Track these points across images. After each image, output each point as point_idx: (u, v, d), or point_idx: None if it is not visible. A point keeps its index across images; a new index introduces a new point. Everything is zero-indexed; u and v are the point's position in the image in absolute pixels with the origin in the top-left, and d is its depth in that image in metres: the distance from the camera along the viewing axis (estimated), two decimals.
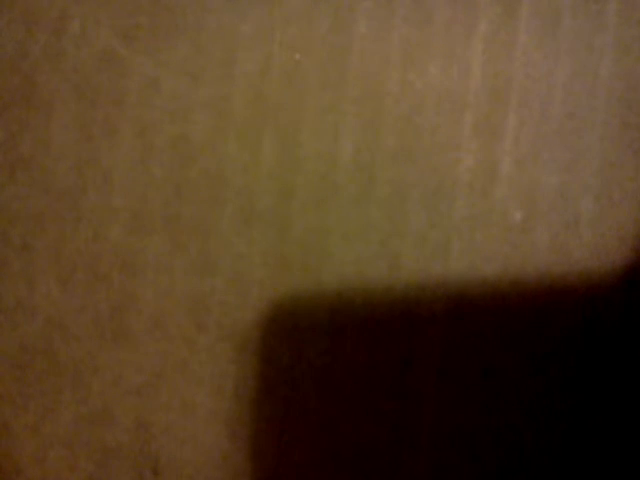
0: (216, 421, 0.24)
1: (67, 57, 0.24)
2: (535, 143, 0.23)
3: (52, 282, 0.24)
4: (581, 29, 0.22)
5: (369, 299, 0.23)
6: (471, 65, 0.23)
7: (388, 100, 0.23)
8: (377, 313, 0.23)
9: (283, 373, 0.23)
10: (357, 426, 0.23)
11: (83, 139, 0.24)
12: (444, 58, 0.23)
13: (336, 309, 0.23)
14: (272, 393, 0.23)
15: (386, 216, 0.24)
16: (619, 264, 0.22)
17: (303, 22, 0.25)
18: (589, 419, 0.22)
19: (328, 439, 0.23)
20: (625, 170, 0.23)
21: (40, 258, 0.24)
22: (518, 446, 0.23)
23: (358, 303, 0.23)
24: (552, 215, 0.23)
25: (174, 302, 0.24)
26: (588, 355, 0.23)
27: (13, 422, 0.24)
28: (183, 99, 0.24)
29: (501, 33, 0.23)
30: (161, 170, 0.24)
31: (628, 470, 0.22)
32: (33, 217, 0.24)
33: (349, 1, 0.23)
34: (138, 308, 0.24)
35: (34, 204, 0.24)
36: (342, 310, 0.23)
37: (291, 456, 0.23)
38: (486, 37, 0.23)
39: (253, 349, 0.23)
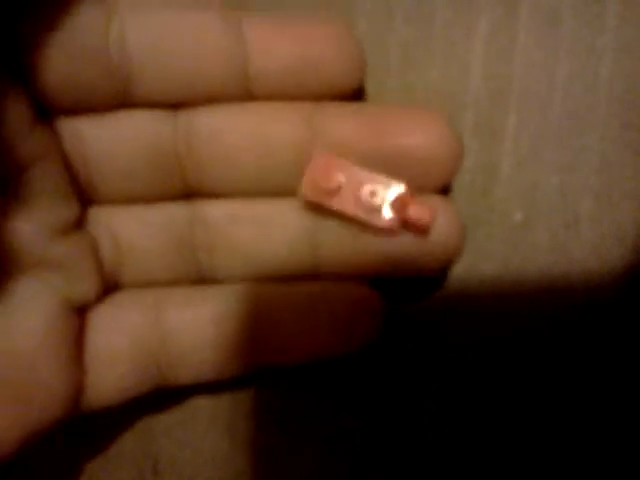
0: (216, 422, 0.24)
1: None
2: (535, 143, 0.23)
3: None
4: (581, 29, 0.22)
5: None
6: (471, 65, 0.23)
7: (388, 100, 0.23)
8: None
9: (283, 372, 0.23)
10: (358, 425, 0.23)
11: None
12: (444, 58, 0.23)
13: None
14: (272, 392, 0.23)
15: None
16: (619, 264, 0.23)
17: None
18: (589, 419, 0.22)
19: (329, 438, 0.23)
20: (625, 170, 0.23)
21: None
22: (518, 445, 0.23)
23: None
24: (552, 215, 0.23)
25: None
26: (588, 355, 0.23)
27: None
28: None
29: (501, 33, 0.23)
30: None
31: (628, 470, 0.22)
32: None
33: (349, 1, 0.23)
34: None
35: None
36: None
37: (291, 456, 0.23)
38: (486, 37, 0.23)
39: None
